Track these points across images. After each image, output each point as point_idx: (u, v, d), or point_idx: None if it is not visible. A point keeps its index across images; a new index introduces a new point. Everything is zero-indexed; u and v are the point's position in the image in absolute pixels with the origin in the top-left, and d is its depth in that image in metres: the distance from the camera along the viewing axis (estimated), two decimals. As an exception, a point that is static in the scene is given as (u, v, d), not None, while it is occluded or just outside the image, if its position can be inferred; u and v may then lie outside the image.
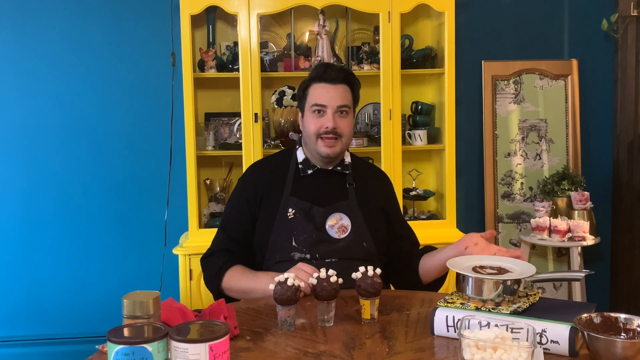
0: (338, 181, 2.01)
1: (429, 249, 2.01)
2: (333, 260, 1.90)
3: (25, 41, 3.20)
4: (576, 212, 3.20)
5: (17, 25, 3.19)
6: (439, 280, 1.97)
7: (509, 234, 3.45)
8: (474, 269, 1.46)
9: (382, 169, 2.82)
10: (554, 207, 3.25)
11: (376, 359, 1.31)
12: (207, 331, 1.12)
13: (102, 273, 3.31)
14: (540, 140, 3.45)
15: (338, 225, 1.93)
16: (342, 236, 1.93)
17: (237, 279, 1.88)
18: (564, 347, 1.28)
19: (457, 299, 1.46)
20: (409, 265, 1.97)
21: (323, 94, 1.94)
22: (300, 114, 2.03)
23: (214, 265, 1.94)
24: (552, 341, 1.29)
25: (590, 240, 3.08)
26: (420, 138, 3.14)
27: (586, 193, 3.20)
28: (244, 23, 2.91)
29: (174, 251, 2.93)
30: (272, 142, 3.12)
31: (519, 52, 3.45)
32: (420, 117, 3.21)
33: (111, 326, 1.15)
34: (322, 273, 1.52)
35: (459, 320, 1.37)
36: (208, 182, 3.21)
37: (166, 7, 3.16)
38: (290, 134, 3.07)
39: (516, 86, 3.43)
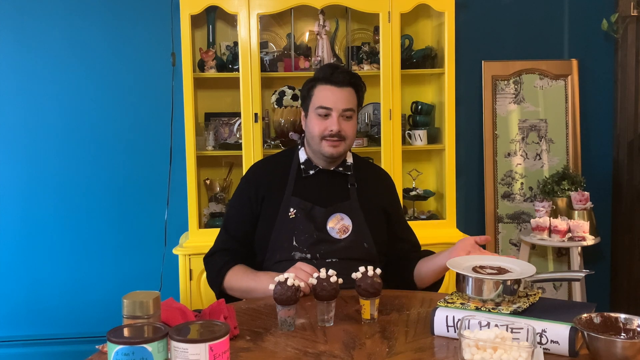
0: (340, 182, 2.01)
1: (427, 253, 2.01)
2: (333, 260, 1.90)
3: (25, 41, 3.20)
4: (576, 212, 3.20)
5: (17, 25, 3.19)
6: (434, 285, 1.97)
7: (509, 234, 3.45)
8: (474, 269, 1.46)
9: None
10: (554, 207, 3.25)
11: (376, 359, 1.31)
12: (207, 331, 1.12)
13: (102, 273, 3.31)
14: (540, 140, 3.45)
15: (339, 225, 1.93)
16: (343, 236, 1.93)
17: (238, 278, 1.89)
18: (564, 347, 1.28)
19: (457, 299, 1.46)
20: (406, 268, 1.98)
21: (329, 96, 1.93)
22: (303, 113, 2.03)
23: (215, 264, 1.94)
24: (552, 341, 1.29)
25: (590, 240, 3.08)
26: (420, 138, 3.13)
27: (586, 193, 3.20)
28: (244, 23, 2.91)
29: (174, 251, 2.93)
30: (272, 142, 3.12)
31: (519, 52, 3.45)
32: (420, 117, 3.21)
33: (111, 326, 1.15)
34: (322, 273, 1.52)
35: (459, 320, 1.37)
36: (208, 182, 3.21)
37: (166, 7, 3.16)
38: (290, 134, 3.07)
39: (516, 86, 3.44)
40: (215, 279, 1.93)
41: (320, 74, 1.98)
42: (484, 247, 1.80)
